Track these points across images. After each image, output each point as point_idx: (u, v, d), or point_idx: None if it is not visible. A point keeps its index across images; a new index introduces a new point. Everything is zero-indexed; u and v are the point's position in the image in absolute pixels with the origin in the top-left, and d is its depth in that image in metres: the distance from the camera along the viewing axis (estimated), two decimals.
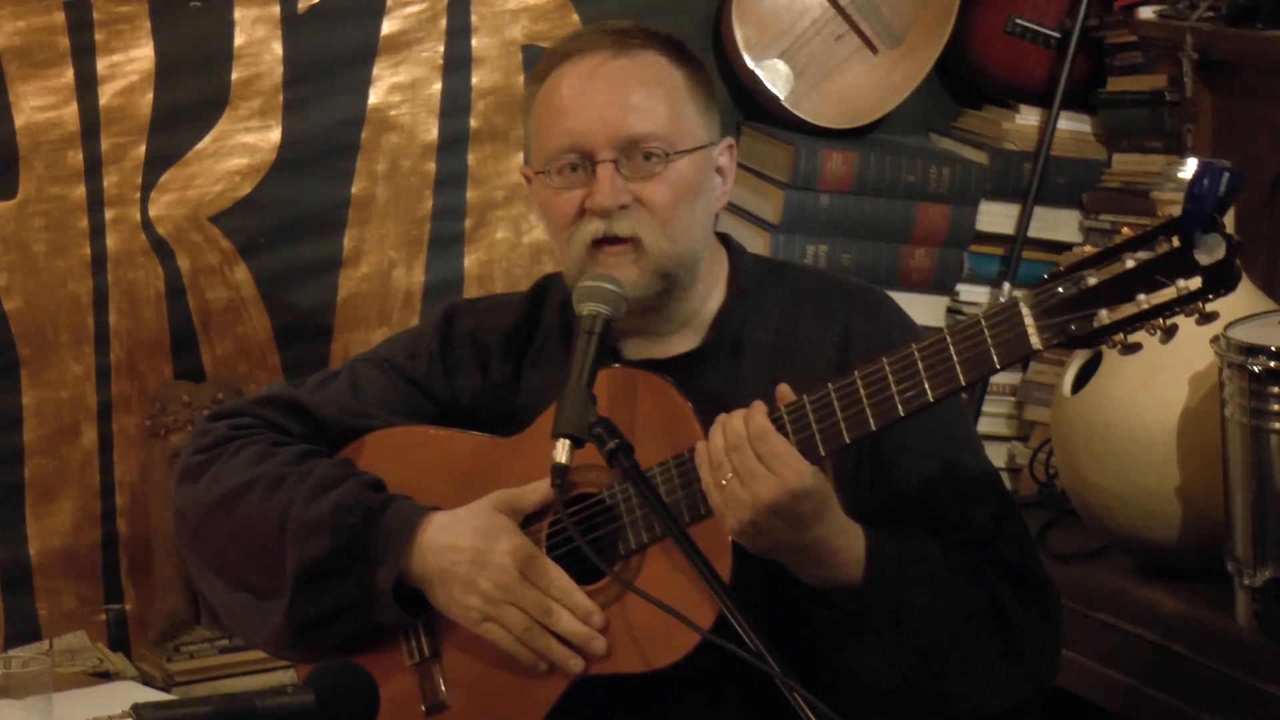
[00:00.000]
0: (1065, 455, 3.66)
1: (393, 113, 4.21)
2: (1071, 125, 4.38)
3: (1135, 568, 3.63)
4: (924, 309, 4.29)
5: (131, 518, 4.11)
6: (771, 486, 2.50)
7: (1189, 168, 3.39)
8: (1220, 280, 2.35)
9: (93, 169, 4.04)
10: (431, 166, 4.25)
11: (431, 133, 4.24)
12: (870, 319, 2.80)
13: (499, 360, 2.87)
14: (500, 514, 2.70)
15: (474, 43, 4.24)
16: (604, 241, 2.71)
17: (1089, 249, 2.41)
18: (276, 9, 4.12)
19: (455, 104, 4.24)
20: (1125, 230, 2.40)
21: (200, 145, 4.10)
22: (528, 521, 2.72)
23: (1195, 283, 2.35)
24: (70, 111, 4.02)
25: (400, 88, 4.21)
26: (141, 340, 4.10)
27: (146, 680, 3.90)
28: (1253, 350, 3.21)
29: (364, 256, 4.22)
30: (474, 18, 4.23)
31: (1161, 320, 2.37)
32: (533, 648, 2.67)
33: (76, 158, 4.03)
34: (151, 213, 4.08)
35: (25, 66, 3.99)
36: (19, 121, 3.99)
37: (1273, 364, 3.19)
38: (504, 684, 2.72)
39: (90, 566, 4.11)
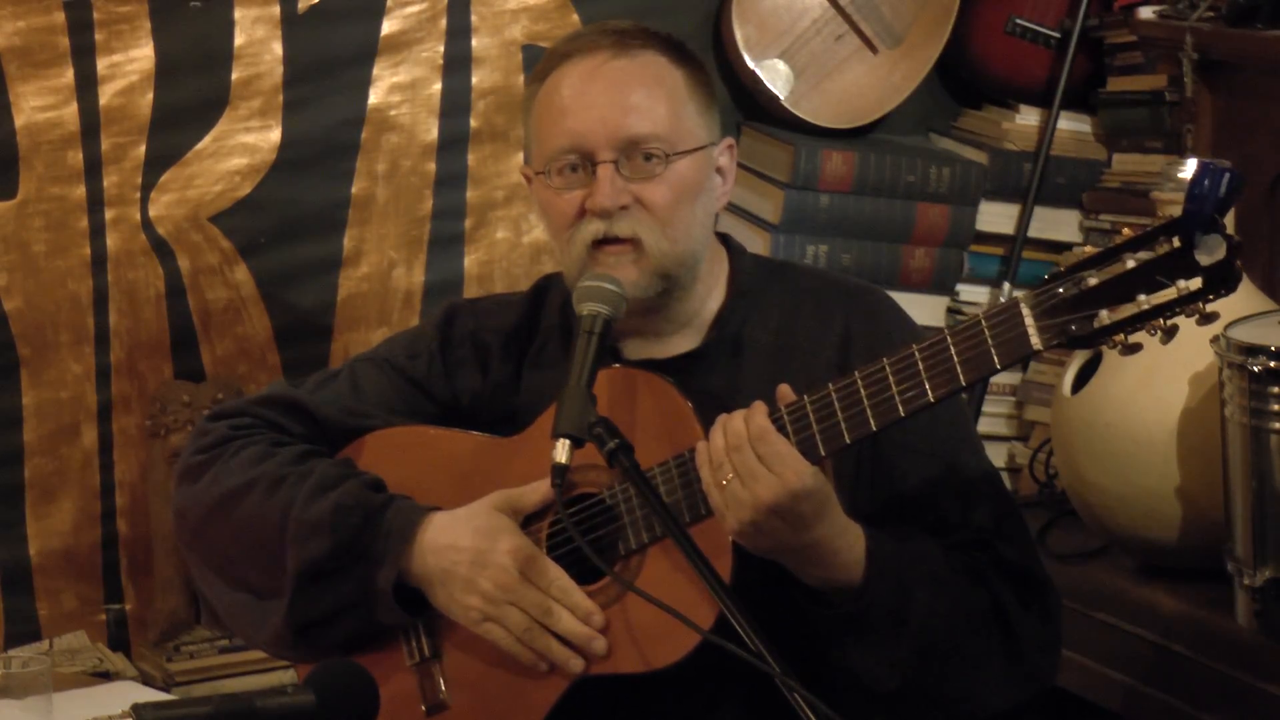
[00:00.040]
0: (1065, 455, 3.66)
1: (393, 113, 4.20)
2: (1071, 125, 4.38)
3: (1135, 568, 3.62)
4: (924, 309, 4.28)
5: (131, 518, 4.10)
6: (772, 487, 2.50)
7: (1189, 168, 3.38)
8: (1221, 280, 2.35)
9: (93, 169, 4.04)
10: (431, 166, 4.24)
11: (431, 133, 4.24)
12: (870, 319, 2.80)
13: (499, 360, 2.87)
14: (500, 514, 2.69)
15: (474, 43, 4.24)
16: (604, 242, 2.71)
17: (1089, 249, 2.41)
18: (276, 9, 4.11)
19: (455, 104, 4.23)
20: (1125, 230, 2.40)
21: (200, 145, 4.10)
22: (528, 521, 2.72)
23: (1196, 283, 2.35)
24: (70, 111, 4.02)
25: (400, 88, 4.20)
26: (141, 340, 4.09)
27: (146, 680, 3.89)
28: (1253, 350, 3.21)
29: (364, 256, 4.21)
30: (474, 18, 4.23)
31: (1162, 320, 2.37)
32: (533, 648, 2.67)
33: (76, 158, 4.02)
34: (151, 213, 4.08)
35: (25, 66, 3.98)
36: (19, 121, 3.99)
37: (1273, 364, 3.19)
38: (504, 684, 2.72)
39: (90, 566, 4.10)
